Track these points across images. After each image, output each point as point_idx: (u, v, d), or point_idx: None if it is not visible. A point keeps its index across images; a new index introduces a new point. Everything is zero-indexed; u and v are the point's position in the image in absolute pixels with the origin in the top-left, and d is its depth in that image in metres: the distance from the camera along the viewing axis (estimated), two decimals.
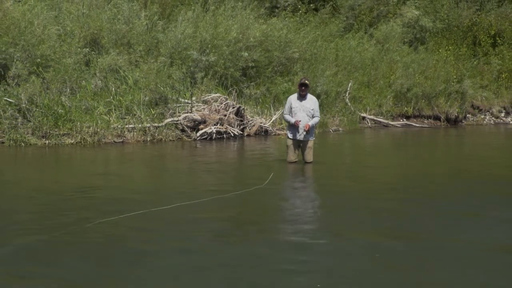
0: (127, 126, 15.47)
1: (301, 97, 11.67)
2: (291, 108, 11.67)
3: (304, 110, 11.59)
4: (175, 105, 16.58)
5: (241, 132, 16.99)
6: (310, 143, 11.74)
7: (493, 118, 25.44)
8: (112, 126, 15.28)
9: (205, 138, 16.10)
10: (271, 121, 18.21)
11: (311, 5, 24.70)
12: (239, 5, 20.90)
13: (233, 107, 16.96)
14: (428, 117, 23.54)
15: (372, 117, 21.97)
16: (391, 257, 6.05)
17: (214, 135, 16.22)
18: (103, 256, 6.00)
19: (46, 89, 15.25)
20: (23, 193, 9.10)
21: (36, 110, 14.60)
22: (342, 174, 11.36)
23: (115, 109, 15.85)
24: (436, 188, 9.96)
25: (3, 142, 14.06)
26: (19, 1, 17.31)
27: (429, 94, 23.37)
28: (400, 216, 7.85)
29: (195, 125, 16.30)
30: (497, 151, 16.22)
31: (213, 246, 6.37)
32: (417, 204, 8.58)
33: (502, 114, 25.81)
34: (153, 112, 16.12)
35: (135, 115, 15.85)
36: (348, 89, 21.72)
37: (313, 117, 11.66)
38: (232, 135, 16.53)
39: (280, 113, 17.59)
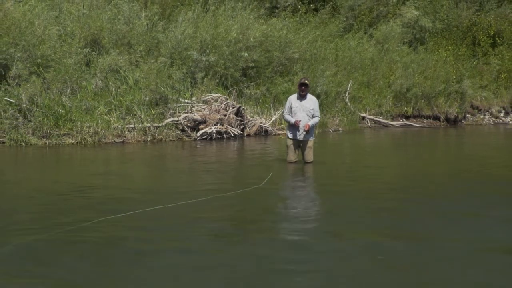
0: (127, 126, 15.49)
1: (301, 97, 11.69)
2: (291, 108, 11.69)
3: (304, 110, 11.60)
4: (175, 105, 16.60)
5: (241, 132, 17.02)
6: (310, 143, 11.76)
7: (493, 118, 25.48)
8: (112, 126, 15.30)
9: (205, 138, 16.13)
10: (271, 121, 18.24)
11: (311, 5, 24.73)
12: (239, 5, 20.93)
13: (233, 107, 16.98)
14: (428, 117, 23.58)
15: (371, 117, 22.00)
16: (391, 257, 6.04)
17: (214, 135, 16.25)
18: (103, 256, 6.00)
19: (47, 89, 15.27)
20: (24, 193, 9.11)
21: (36, 110, 14.62)
22: (342, 174, 11.36)
23: (115, 109, 15.87)
24: (436, 188, 9.95)
25: (3, 142, 14.08)
26: (19, 2, 17.32)
27: (429, 94, 23.41)
28: (400, 216, 7.84)
29: (195, 125, 16.33)
30: (497, 151, 16.22)
31: (213, 246, 6.37)
32: (417, 204, 8.57)
33: (502, 114, 25.85)
34: (153, 112, 16.14)
35: (135, 115, 15.87)
36: (348, 89, 21.75)
37: (313, 117, 11.68)
38: (232, 135, 16.55)
39: (280, 113, 17.62)
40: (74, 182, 9.96)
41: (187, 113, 16.42)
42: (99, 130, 14.93)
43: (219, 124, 16.44)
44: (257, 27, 19.83)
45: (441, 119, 23.56)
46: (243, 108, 17.40)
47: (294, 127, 11.64)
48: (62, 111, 14.91)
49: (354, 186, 10.00)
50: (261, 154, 14.41)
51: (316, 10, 24.94)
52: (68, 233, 6.66)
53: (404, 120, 22.88)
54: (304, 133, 11.54)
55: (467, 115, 24.79)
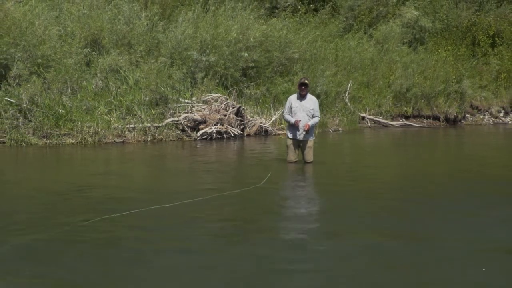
0: (127, 126, 15.51)
1: (301, 97, 11.71)
2: (291, 108, 11.71)
3: (304, 110, 11.62)
4: (175, 105, 16.61)
5: (241, 132, 17.03)
6: (310, 143, 11.78)
7: (492, 118, 25.49)
8: (112, 126, 15.31)
9: (205, 138, 16.14)
10: (271, 121, 18.25)
11: (311, 5, 24.71)
12: (239, 5, 20.93)
13: (233, 107, 17.00)
14: (427, 117, 23.58)
15: (371, 117, 22.01)
16: (391, 257, 6.06)
17: (214, 135, 16.26)
18: (102, 256, 6.00)
19: (47, 89, 15.28)
20: (24, 192, 9.13)
21: (37, 110, 14.63)
22: (342, 174, 11.38)
23: (115, 109, 15.88)
24: (436, 188, 9.97)
25: (4, 142, 14.09)
26: (20, 2, 17.34)
27: (428, 94, 23.41)
28: (400, 216, 7.86)
29: (196, 125, 16.34)
30: (496, 151, 16.24)
31: (213, 246, 6.37)
32: (417, 204, 8.59)
33: (501, 114, 25.86)
34: (153, 112, 16.16)
35: (135, 115, 15.88)
36: (348, 89, 21.75)
37: (313, 117, 11.70)
38: (232, 135, 16.56)
39: (280, 113, 17.64)
40: (74, 182, 9.97)
41: (187, 113, 16.44)
42: (99, 130, 14.94)
43: (219, 124, 16.45)
44: (257, 27, 19.84)
45: (440, 119, 23.56)
46: (243, 108, 17.42)
47: (294, 127, 11.66)
48: (63, 111, 14.92)
49: (354, 186, 10.02)
50: (261, 154, 14.43)
51: (316, 10, 24.94)
52: (68, 232, 6.67)
53: (404, 120, 22.88)
54: (304, 133, 11.56)
55: (467, 115, 24.81)
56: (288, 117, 11.75)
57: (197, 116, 16.36)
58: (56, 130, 14.59)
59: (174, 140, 15.82)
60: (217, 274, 5.53)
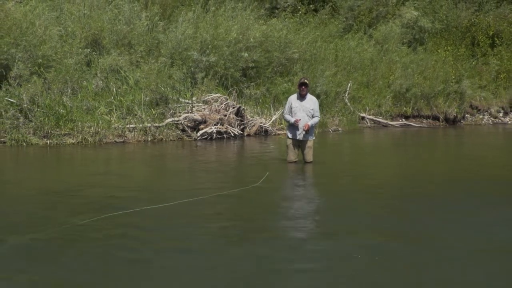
0: (128, 126, 15.53)
1: (301, 97, 11.73)
2: (291, 108, 11.73)
3: (304, 110, 11.64)
4: (175, 105, 16.64)
5: (241, 132, 17.06)
6: (310, 143, 11.80)
7: (492, 118, 25.52)
8: (113, 126, 15.34)
9: (206, 138, 16.16)
10: (271, 121, 18.28)
11: (311, 6, 24.74)
12: (239, 6, 20.95)
13: (233, 107, 17.02)
14: (427, 117, 23.61)
15: (371, 117, 22.04)
16: (391, 257, 6.06)
17: (215, 135, 16.29)
18: (102, 255, 6.00)
19: (48, 89, 15.29)
20: (24, 192, 9.14)
21: (37, 110, 14.65)
22: (342, 173, 11.39)
23: (116, 109, 15.91)
24: (436, 188, 9.98)
25: (5, 142, 14.11)
26: (20, 2, 17.36)
27: (428, 94, 23.44)
28: (400, 216, 7.87)
29: (196, 125, 16.36)
30: (496, 151, 16.25)
31: (213, 246, 6.36)
32: (417, 204, 8.59)
33: (501, 114, 25.89)
34: (153, 112, 16.18)
35: (136, 115, 15.91)
36: (348, 89, 21.78)
37: (313, 117, 11.73)
38: (232, 135, 16.59)
39: (280, 113, 17.67)
40: (74, 181, 9.99)
41: (188, 113, 16.46)
42: (99, 130, 14.96)
43: (219, 124, 16.48)
44: (257, 27, 19.86)
45: (440, 119, 23.59)
46: (243, 108, 17.44)
47: (294, 127, 11.69)
48: (63, 111, 14.94)
49: (353, 186, 10.04)
50: (261, 154, 14.45)
51: (315, 10, 24.96)
52: (68, 232, 6.68)
53: (404, 120, 22.91)
54: (304, 133, 11.59)
55: (466, 115, 24.84)
56: (288, 117, 11.78)
57: (197, 116, 16.39)
58: (57, 130, 14.61)
59: (174, 140, 15.85)
60: (217, 274, 5.53)
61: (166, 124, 15.98)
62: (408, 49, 25.26)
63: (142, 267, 5.65)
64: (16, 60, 15.22)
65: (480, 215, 7.89)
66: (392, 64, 23.62)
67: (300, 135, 11.65)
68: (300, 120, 11.56)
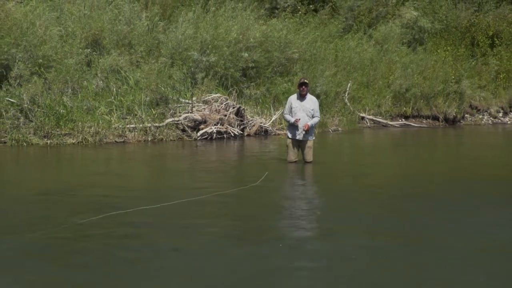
0: (128, 126, 15.55)
1: (301, 97, 11.75)
2: (291, 108, 11.75)
3: (304, 110, 11.66)
4: (175, 105, 16.66)
5: (241, 132, 17.08)
6: (310, 143, 11.82)
7: (491, 118, 25.55)
8: (113, 126, 15.36)
9: (206, 138, 16.18)
10: (271, 121, 18.30)
11: (311, 6, 24.77)
12: (239, 6, 20.98)
13: (233, 107, 17.04)
14: (427, 117, 23.65)
15: (371, 117, 22.06)
16: (391, 257, 6.07)
17: (215, 135, 16.31)
18: (102, 255, 6.00)
19: (48, 89, 15.31)
20: (24, 192, 9.14)
21: (38, 110, 14.67)
22: (342, 173, 11.40)
23: (116, 109, 15.93)
24: (436, 188, 9.98)
25: (5, 142, 14.12)
26: (21, 2, 17.38)
27: (428, 94, 23.48)
28: (400, 216, 7.86)
29: (196, 125, 16.38)
30: (496, 151, 16.26)
31: (213, 246, 6.36)
32: (417, 204, 8.59)
33: (500, 114, 25.92)
34: (154, 112, 16.20)
35: (136, 115, 15.93)
36: (347, 89, 21.81)
37: (313, 117, 11.75)
38: (232, 135, 16.61)
39: (280, 113, 17.69)
40: (74, 181, 10.00)
41: (188, 113, 16.48)
42: (100, 130, 14.98)
43: (219, 124, 16.50)
44: (257, 27, 19.88)
45: (440, 119, 23.63)
46: (243, 108, 17.46)
47: (294, 127, 11.70)
48: (63, 111, 14.96)
49: (353, 186, 10.05)
50: (261, 154, 14.47)
51: (315, 10, 24.99)
52: (67, 232, 6.69)
53: (403, 120, 22.94)
54: (304, 132, 11.60)
55: (466, 115, 24.87)
56: (288, 116, 11.80)
57: (197, 116, 16.41)
58: (57, 130, 14.64)
59: (174, 140, 15.87)
60: (217, 274, 5.52)
61: (166, 124, 16.00)
62: (407, 49, 25.30)
63: (142, 267, 5.64)
64: (17, 60, 15.24)
65: (480, 215, 7.88)
66: (392, 64, 23.65)
67: (300, 135, 11.67)
68: (299, 119, 11.57)
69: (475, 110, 25.36)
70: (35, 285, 5.25)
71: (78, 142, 14.60)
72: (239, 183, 9.80)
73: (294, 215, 8.02)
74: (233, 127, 16.76)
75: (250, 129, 17.50)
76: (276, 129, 18.11)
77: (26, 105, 14.64)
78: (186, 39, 18.14)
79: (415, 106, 23.39)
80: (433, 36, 26.64)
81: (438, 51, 25.45)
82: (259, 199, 8.81)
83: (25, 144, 14.09)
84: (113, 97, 16.19)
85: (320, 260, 5.94)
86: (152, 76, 16.67)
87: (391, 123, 22.23)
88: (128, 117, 15.84)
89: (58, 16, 17.69)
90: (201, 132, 16.17)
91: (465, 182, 10.51)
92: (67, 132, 14.74)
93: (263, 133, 17.80)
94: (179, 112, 16.56)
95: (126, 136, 15.38)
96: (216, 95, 17.43)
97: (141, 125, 15.62)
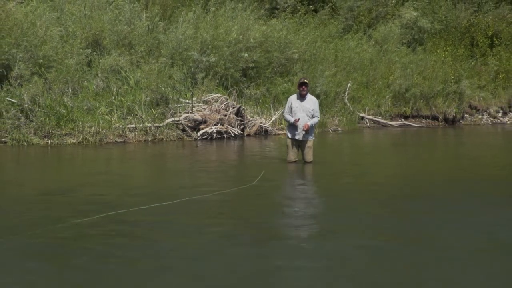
0: (128, 126, 15.56)
1: (301, 97, 11.76)
2: (291, 108, 11.77)
3: (304, 110, 11.67)
4: (176, 105, 16.68)
5: (241, 132, 17.09)
6: (310, 143, 11.83)
7: (491, 118, 25.55)
8: (113, 126, 15.37)
9: (206, 138, 16.20)
10: (271, 121, 18.31)
11: (311, 6, 24.78)
12: (239, 6, 20.99)
13: (233, 107, 17.06)
14: (426, 117, 23.65)
15: (370, 117, 22.07)
16: (391, 257, 6.07)
17: (215, 135, 16.32)
18: (102, 255, 6.00)
19: (49, 89, 15.33)
20: (24, 192, 9.16)
21: (38, 110, 14.69)
22: (341, 173, 11.39)
23: (116, 109, 15.95)
24: (436, 188, 9.97)
25: (6, 142, 14.14)
26: (21, 3, 17.40)
27: (427, 94, 23.48)
28: (400, 216, 7.87)
29: (196, 125, 16.40)
30: (495, 151, 16.25)
31: (213, 245, 6.36)
32: (417, 204, 8.60)
33: (500, 114, 25.92)
34: (154, 112, 16.22)
35: (136, 115, 15.94)
36: (347, 89, 21.82)
37: (313, 117, 11.76)
38: (233, 135, 16.62)
39: (280, 113, 17.71)
40: (75, 181, 10.02)
41: (188, 113, 16.50)
42: (100, 130, 15.00)
43: (219, 124, 16.51)
44: (257, 28, 19.89)
45: (439, 119, 23.63)
46: (243, 108, 17.48)
47: (294, 127, 11.72)
48: (64, 111, 14.98)
49: (353, 186, 10.06)
50: (261, 154, 14.48)
51: (315, 11, 24.99)
52: (67, 232, 6.69)
53: (403, 120, 22.95)
54: (303, 133, 11.62)
55: (465, 115, 24.87)
56: (288, 116, 11.82)
57: (197, 116, 16.42)
58: (58, 130, 14.65)
59: (174, 140, 15.88)
60: (217, 274, 5.52)
61: (166, 124, 16.02)
62: (407, 50, 25.30)
63: (142, 267, 5.65)
64: (17, 60, 15.25)
65: (480, 215, 7.88)
66: (392, 64, 23.66)
67: (299, 135, 11.68)
68: (299, 120, 11.58)
69: (474, 110, 25.36)
70: (35, 285, 5.25)
71: (79, 142, 14.61)
72: (239, 183, 9.81)
73: (294, 215, 8.03)
74: (233, 127, 16.78)
75: (250, 129, 17.52)
76: (276, 129, 18.13)
77: (26, 105, 14.65)
78: (186, 39, 18.15)
79: (415, 106, 23.39)
80: (433, 36, 26.65)
81: (438, 51, 25.46)
82: (259, 199, 8.81)
83: (25, 144, 14.11)
84: (113, 97, 16.20)
85: (320, 260, 5.94)
86: (152, 76, 16.68)
87: (390, 123, 22.24)
88: (128, 117, 15.86)
89: (58, 16, 17.70)
90: (201, 132, 16.19)
91: (465, 182, 10.50)
92: (67, 132, 14.76)
93: (263, 133, 17.81)
94: (179, 112, 16.58)
95: (126, 136, 15.40)
96: (216, 95, 17.44)
97: (141, 125, 15.63)
